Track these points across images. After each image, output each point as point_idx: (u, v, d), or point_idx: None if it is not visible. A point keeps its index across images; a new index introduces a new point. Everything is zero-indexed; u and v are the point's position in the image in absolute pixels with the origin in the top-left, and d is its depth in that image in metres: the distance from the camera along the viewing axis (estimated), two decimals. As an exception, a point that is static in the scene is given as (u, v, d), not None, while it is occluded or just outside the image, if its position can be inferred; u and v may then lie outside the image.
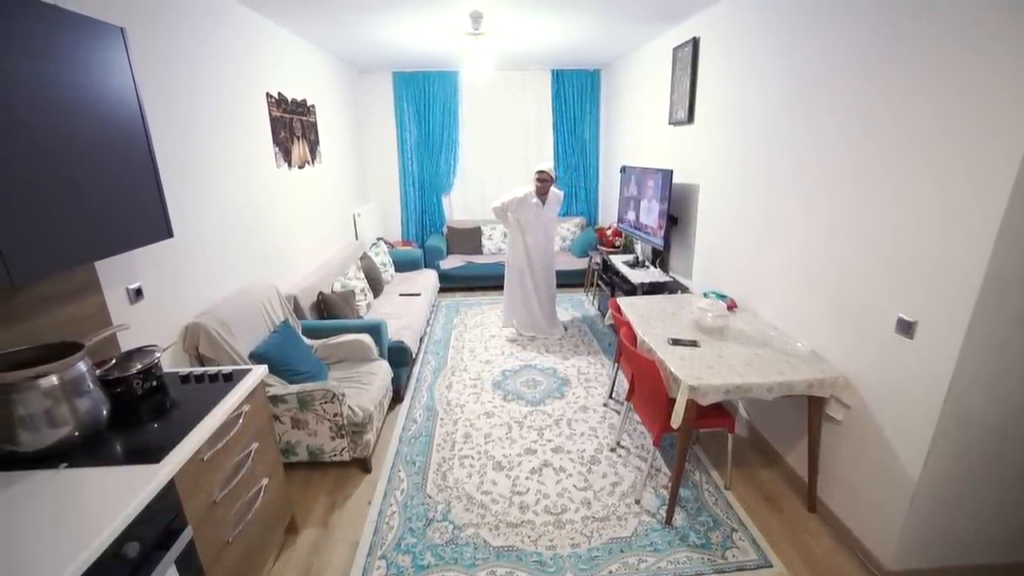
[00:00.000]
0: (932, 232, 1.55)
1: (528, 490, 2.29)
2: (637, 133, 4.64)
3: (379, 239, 5.18)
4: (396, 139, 5.61)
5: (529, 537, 2.02)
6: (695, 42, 3.21)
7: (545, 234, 3.89)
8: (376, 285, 4.16)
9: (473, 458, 2.54)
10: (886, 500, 1.78)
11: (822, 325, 2.10)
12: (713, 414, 2.12)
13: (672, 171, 3.38)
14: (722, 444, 2.44)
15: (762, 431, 2.59)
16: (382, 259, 4.63)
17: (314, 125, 3.89)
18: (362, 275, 3.99)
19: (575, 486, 2.31)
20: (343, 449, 2.31)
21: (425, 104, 5.44)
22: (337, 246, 4.32)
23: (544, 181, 3.72)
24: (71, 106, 1.31)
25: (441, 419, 2.91)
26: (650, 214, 3.77)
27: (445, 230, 5.74)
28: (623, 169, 4.43)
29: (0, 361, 1.29)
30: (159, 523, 1.25)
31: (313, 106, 3.86)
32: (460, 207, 5.95)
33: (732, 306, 2.69)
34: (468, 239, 5.62)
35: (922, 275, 1.60)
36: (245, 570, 1.67)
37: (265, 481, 1.79)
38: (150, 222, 1.62)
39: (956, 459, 1.63)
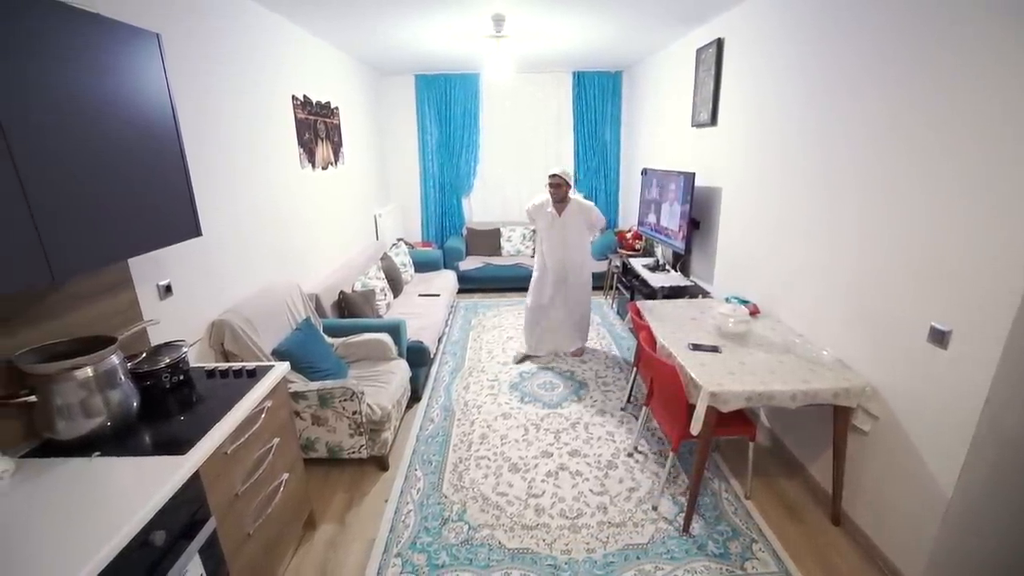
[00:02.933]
0: (968, 238, 1.50)
1: (544, 493, 2.29)
2: (659, 135, 4.60)
3: (399, 240, 5.24)
4: (417, 141, 5.67)
5: (544, 540, 2.01)
6: (719, 43, 3.17)
7: (563, 246, 3.46)
8: (396, 285, 4.21)
9: (489, 459, 2.54)
10: (916, 516, 1.72)
11: (849, 333, 2.05)
12: (734, 421, 2.08)
13: (694, 174, 3.34)
14: (743, 452, 2.40)
15: (784, 440, 2.54)
16: (402, 259, 4.68)
17: (337, 127, 3.96)
18: (382, 275, 4.04)
19: (591, 490, 2.30)
20: (361, 447, 2.34)
21: (446, 106, 5.48)
22: (358, 246, 4.39)
23: (557, 187, 3.32)
24: (109, 110, 1.35)
25: (458, 419, 2.92)
26: (671, 217, 3.73)
27: (464, 231, 5.77)
28: (644, 172, 4.40)
29: (39, 353, 1.34)
30: (184, 513, 1.28)
31: (337, 108, 3.93)
32: (479, 209, 5.98)
33: (754, 311, 2.64)
34: (487, 241, 5.64)
35: (957, 283, 1.54)
36: (264, 563, 1.70)
37: (285, 476, 1.83)
38: (180, 221, 1.67)
39: (992, 476, 1.57)
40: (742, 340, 2.31)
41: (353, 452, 2.35)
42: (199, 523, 1.33)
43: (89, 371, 1.33)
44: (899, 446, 1.79)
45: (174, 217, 1.64)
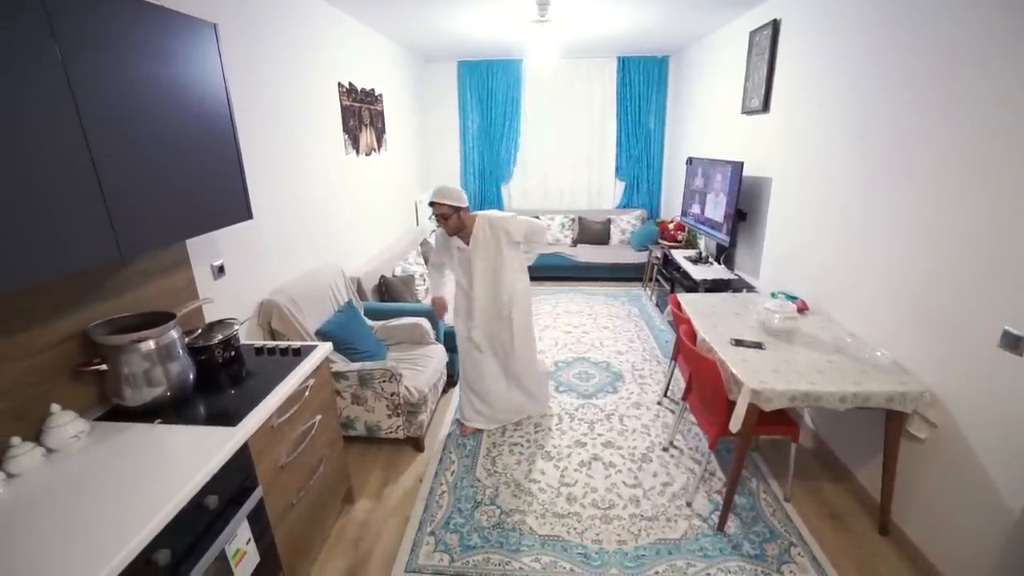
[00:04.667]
0: (1050, 236, 1.38)
1: (576, 482, 2.29)
2: (706, 123, 4.43)
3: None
4: (458, 127, 5.69)
5: (575, 529, 2.02)
6: (775, 25, 3.01)
7: (495, 281, 2.45)
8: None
9: (523, 446, 2.56)
10: (976, 532, 1.62)
11: (908, 333, 1.93)
12: (776, 421, 2.01)
13: (743, 163, 3.20)
14: (784, 453, 2.32)
15: (830, 443, 2.43)
16: (441, 246, 4.73)
17: (381, 113, 4.02)
18: (422, 260, 4.11)
19: (624, 482, 2.28)
20: (398, 427, 2.41)
21: (488, 92, 5.47)
22: (399, 232, 4.47)
23: (443, 217, 2.32)
24: (170, 98, 1.41)
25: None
26: (716, 208, 3.60)
27: (503, 219, 5.77)
28: (689, 160, 4.26)
29: (109, 325, 1.45)
30: (234, 481, 1.36)
31: (381, 95, 3.99)
32: (519, 196, 5.97)
33: (803, 308, 2.53)
34: (525, 229, 5.62)
35: (1034, 284, 1.42)
36: (306, 532, 1.79)
37: (326, 451, 1.90)
38: (233, 204, 1.74)
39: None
40: (788, 337, 2.22)
41: (390, 432, 2.43)
42: (247, 491, 1.41)
43: (152, 344, 1.42)
44: (960, 457, 1.68)
45: (228, 200, 1.71)
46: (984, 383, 1.59)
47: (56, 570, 0.94)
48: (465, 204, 2.34)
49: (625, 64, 5.33)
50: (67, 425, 1.29)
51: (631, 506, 2.14)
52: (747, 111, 3.46)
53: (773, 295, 2.65)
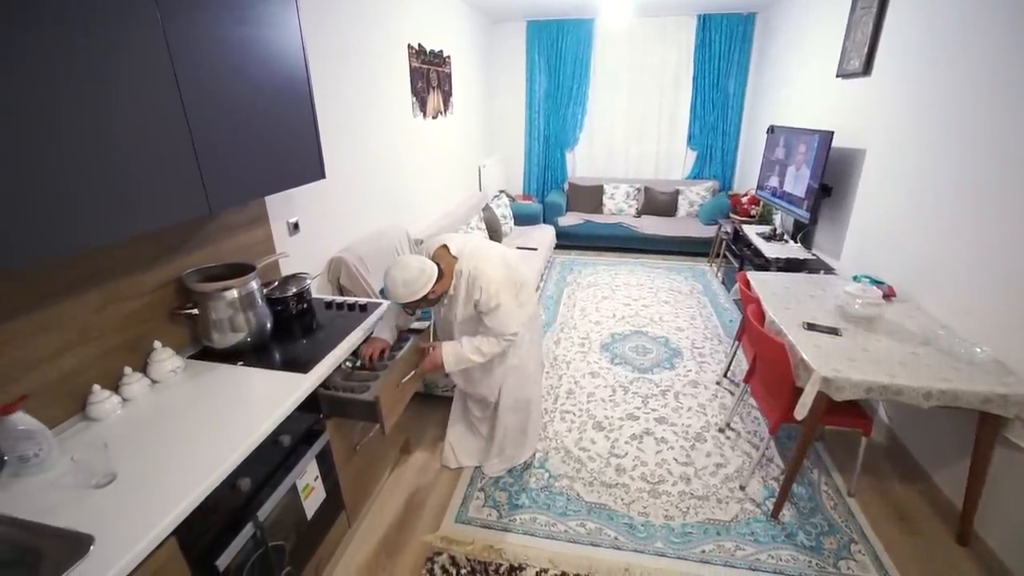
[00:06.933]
0: None
1: (626, 454, 2.29)
2: (793, 87, 4.06)
3: (501, 192, 5.28)
4: (525, 91, 5.56)
5: (622, 500, 2.03)
6: (889, -27, 2.65)
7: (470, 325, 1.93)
8: (495, 236, 4.29)
9: (574, 414, 2.58)
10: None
11: (1019, 332, 1.72)
12: (846, 411, 1.89)
13: (832, 133, 2.92)
14: (852, 446, 2.18)
15: (906, 441, 2.26)
16: (503, 211, 4.73)
17: (448, 76, 4.00)
18: (483, 226, 4.14)
19: (676, 459, 2.25)
20: (454, 386, 2.49)
21: (556, 55, 5.28)
22: (462, 196, 4.51)
23: (425, 299, 1.73)
24: (253, 60, 1.47)
25: (547, 373, 2.98)
26: (797, 182, 3.33)
27: (566, 186, 5.67)
28: (771, 129, 3.94)
29: (198, 274, 1.58)
30: (305, 423, 1.48)
31: (449, 57, 3.96)
32: (584, 163, 5.81)
33: (889, 294, 2.31)
34: (589, 197, 5.50)
35: None
36: (366, 476, 1.92)
37: (387, 403, 2.01)
38: (308, 163, 1.80)
39: None
40: (869, 325, 2.05)
41: (446, 390, 2.52)
42: (316, 433, 1.53)
43: (235, 293, 1.54)
44: (1063, 468, 1.51)
45: (303, 160, 1.77)
46: (1107, 391, 1.40)
47: (165, 481, 1.07)
48: (432, 282, 1.69)
49: (706, 22, 4.93)
50: (167, 360, 1.45)
51: (681, 483, 2.11)
52: (843, 74, 3.12)
53: (856, 278, 2.45)
